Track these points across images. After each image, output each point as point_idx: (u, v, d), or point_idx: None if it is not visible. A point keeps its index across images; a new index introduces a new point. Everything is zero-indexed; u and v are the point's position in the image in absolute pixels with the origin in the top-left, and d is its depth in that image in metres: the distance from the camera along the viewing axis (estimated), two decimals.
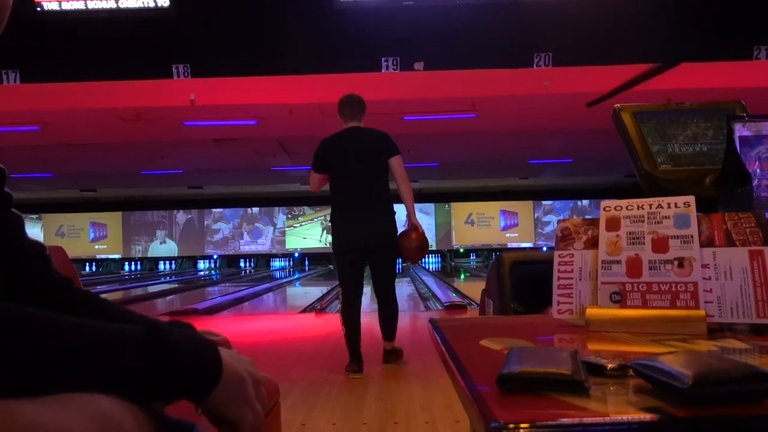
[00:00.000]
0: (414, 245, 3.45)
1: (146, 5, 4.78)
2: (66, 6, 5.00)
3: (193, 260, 16.52)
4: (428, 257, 15.97)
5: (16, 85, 5.27)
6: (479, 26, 4.65)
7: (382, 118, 6.18)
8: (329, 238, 15.09)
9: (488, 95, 5.41)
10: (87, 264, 15.87)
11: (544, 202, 16.22)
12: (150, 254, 16.25)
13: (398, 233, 3.46)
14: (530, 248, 15.54)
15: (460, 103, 5.70)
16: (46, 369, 0.47)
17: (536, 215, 16.27)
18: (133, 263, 16.32)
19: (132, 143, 7.31)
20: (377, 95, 5.18)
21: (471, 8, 4.57)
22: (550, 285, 0.94)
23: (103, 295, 0.85)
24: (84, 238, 15.95)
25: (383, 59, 4.72)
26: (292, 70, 5.04)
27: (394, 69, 4.74)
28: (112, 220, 16.11)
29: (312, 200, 15.32)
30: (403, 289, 10.20)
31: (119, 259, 16.18)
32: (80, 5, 4.95)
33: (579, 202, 16.11)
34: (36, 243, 0.77)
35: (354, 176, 3.38)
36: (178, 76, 5.19)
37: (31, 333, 0.48)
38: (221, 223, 16.23)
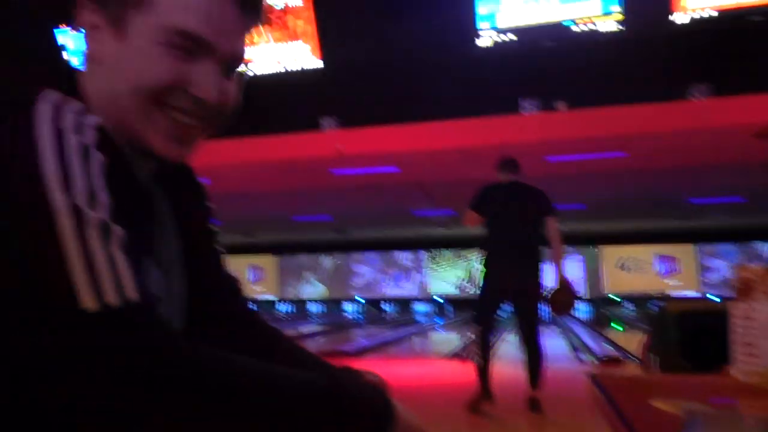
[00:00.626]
0: (563, 298, 3.70)
1: (303, 68, 5.23)
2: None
3: (339, 303, 17.17)
4: (579, 306, 15.11)
5: None
6: (626, 61, 4.44)
7: (523, 159, 6.06)
8: (471, 285, 14.91)
9: (639, 132, 5.08)
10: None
11: (708, 246, 14.62)
12: (301, 296, 17.20)
13: (540, 283, 3.64)
14: (696, 298, 14.02)
15: (607, 141, 5.42)
16: (247, 417, 0.52)
17: (699, 260, 14.70)
18: (286, 304, 17.37)
19: (285, 192, 7.90)
20: (517, 137, 5.12)
21: (617, 43, 4.39)
22: (724, 341, 0.84)
23: None
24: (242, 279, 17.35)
25: (522, 101, 4.67)
26: (433, 116, 5.17)
27: (533, 110, 4.66)
28: (268, 263, 17.37)
29: (453, 243, 15.31)
30: (551, 339, 9.68)
31: (274, 300, 17.32)
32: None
33: (753, 246, 14.30)
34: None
35: (511, 226, 3.63)
36: (326, 129, 5.57)
37: (245, 384, 0.53)
38: (365, 267, 16.77)
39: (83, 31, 0.64)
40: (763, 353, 0.81)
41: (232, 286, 0.83)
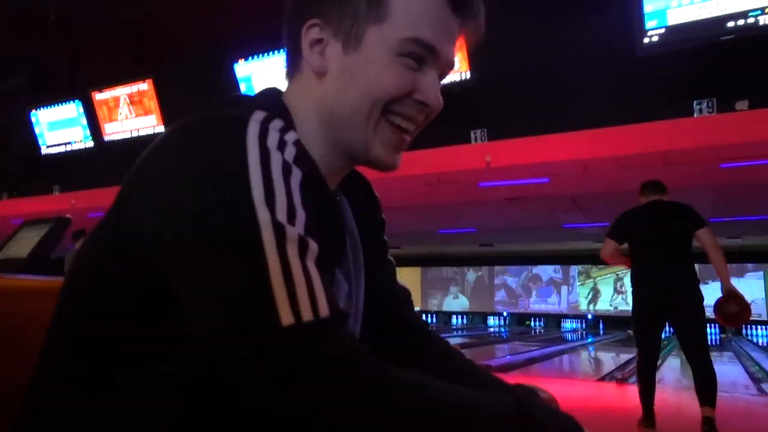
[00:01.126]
0: (732, 310, 3.50)
1: (454, 80, 5.26)
2: None
3: (483, 316, 16.90)
4: (759, 329, 13.37)
5: None
6: None
7: (694, 167, 5.50)
8: (622, 300, 13.86)
9: None
10: None
11: None
12: (444, 308, 17.21)
13: (699, 299, 3.54)
14: None
15: None
16: None
17: None
18: (429, 316, 17.49)
19: (433, 205, 7.96)
20: (687, 142, 4.66)
21: None
22: None
23: None
24: None
25: (695, 102, 4.25)
26: (589, 124, 4.90)
27: (709, 111, 4.21)
28: (412, 275, 17.65)
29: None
30: (725, 366, 8.66)
31: (418, 312, 17.54)
32: None
33: None
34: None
35: (657, 246, 3.57)
36: (476, 141, 5.52)
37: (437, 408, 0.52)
38: (510, 280, 16.35)
39: (288, 48, 0.69)
40: None
41: (404, 296, 0.84)
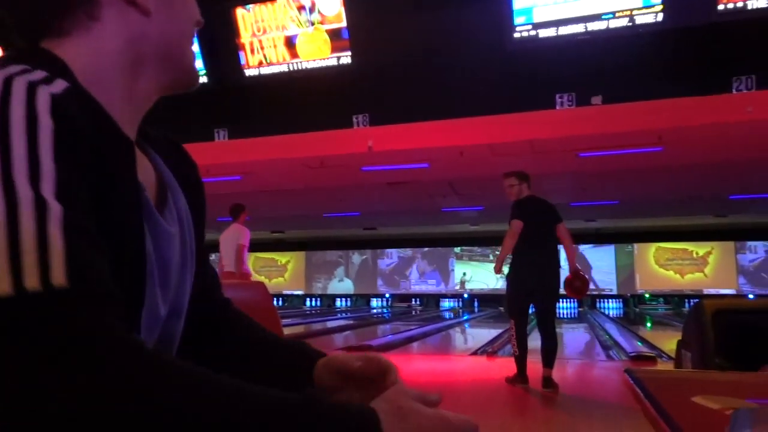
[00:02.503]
0: (576, 284, 4.47)
1: (331, 63, 5.26)
2: (264, 71, 5.70)
3: (367, 298, 17.24)
4: (609, 302, 14.89)
5: (224, 141, 6.08)
6: (666, 54, 4.34)
7: (556, 156, 5.99)
8: (496, 280, 14.81)
9: (677, 126, 4.96)
10: (274, 299, 17.37)
11: (747, 243, 14.24)
12: (329, 291, 17.33)
13: (558, 281, 4.32)
14: (733, 295, 13.67)
15: (643, 136, 5.31)
16: None
17: (737, 258, 14.33)
18: (313, 299, 17.52)
19: (316, 188, 7.96)
20: (551, 133, 5.05)
21: (655, 36, 4.29)
22: (761, 338, 0.82)
23: (286, 329, 0.87)
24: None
25: (558, 96, 4.60)
26: (464, 112, 5.13)
27: (569, 105, 4.59)
28: (296, 259, 17.54)
29: (481, 241, 15.23)
30: (579, 334, 9.56)
31: (302, 295, 17.49)
32: (281, 68, 5.62)
33: None
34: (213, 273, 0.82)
35: (537, 235, 4.22)
36: (357, 126, 5.58)
37: (215, 406, 0.44)
38: (393, 263, 16.81)
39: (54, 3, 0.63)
40: None
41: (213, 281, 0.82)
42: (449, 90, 5.27)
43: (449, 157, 6.15)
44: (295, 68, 5.57)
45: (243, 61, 5.72)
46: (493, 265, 5.02)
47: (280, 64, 5.65)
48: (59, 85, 0.53)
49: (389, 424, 0.49)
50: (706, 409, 0.65)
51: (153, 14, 0.66)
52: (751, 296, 12.98)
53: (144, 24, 0.66)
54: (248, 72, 5.73)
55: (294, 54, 5.59)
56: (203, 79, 5.66)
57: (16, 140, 0.48)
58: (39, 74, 0.53)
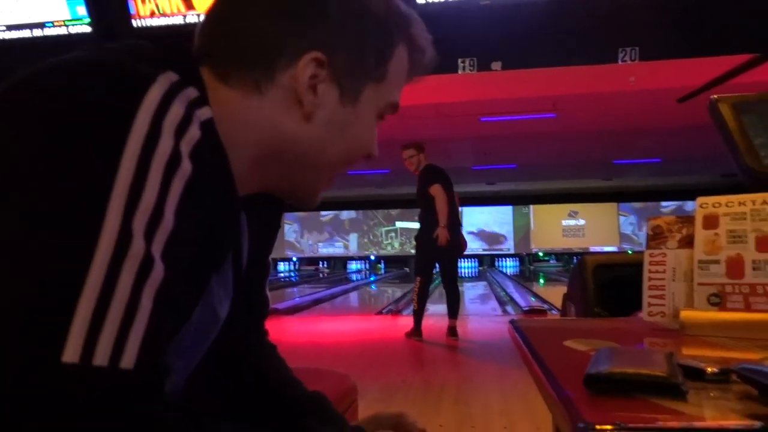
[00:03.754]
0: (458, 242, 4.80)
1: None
2: (155, 22, 5.33)
3: (274, 262, 17.06)
4: (506, 261, 15.71)
5: None
6: (560, 23, 4.51)
7: (459, 120, 6.13)
8: (400, 241, 15.17)
9: (569, 93, 5.23)
10: None
11: (629, 205, 15.50)
12: None
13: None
14: (614, 251, 14.88)
15: (539, 102, 5.55)
16: None
17: (620, 218, 15.58)
18: None
19: None
20: (454, 97, 5.15)
21: (551, 4, 4.45)
22: (636, 288, 0.89)
23: None
24: None
25: (460, 60, 4.68)
26: None
27: (471, 70, 4.69)
28: None
29: (386, 204, 15.44)
30: (479, 291, 10.05)
31: None
32: (175, 20, 5.27)
33: (667, 204, 15.27)
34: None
35: (449, 201, 4.50)
36: None
37: None
38: (299, 227, 16.69)
39: (255, 50, 0.57)
40: (668, 296, 0.87)
41: (264, 310, 0.84)
42: None
43: None
44: (191, 21, 5.25)
45: (132, 10, 5.30)
46: (395, 227, 5.34)
47: (174, 15, 5.30)
48: (206, 113, 0.50)
49: None
50: (575, 351, 0.71)
51: (313, 123, 0.59)
52: (630, 251, 14.21)
53: (298, 125, 0.59)
54: (137, 22, 5.32)
55: (189, 5, 5.26)
56: (86, 29, 5.21)
57: (152, 180, 0.44)
58: (192, 92, 0.49)
